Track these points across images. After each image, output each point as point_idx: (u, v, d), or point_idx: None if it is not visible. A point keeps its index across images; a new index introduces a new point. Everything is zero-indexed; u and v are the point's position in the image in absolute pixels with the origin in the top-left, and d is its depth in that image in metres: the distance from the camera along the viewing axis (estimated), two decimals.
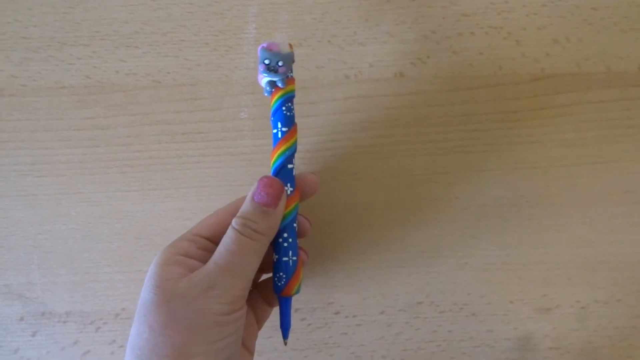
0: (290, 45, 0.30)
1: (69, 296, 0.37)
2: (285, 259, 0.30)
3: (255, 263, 0.28)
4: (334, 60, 0.36)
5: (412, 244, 0.37)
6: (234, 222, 0.28)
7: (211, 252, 0.29)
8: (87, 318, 0.37)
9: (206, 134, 0.36)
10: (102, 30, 0.36)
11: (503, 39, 0.37)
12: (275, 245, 0.30)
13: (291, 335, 0.37)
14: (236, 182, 0.36)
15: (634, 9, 0.37)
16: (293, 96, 0.31)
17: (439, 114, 0.37)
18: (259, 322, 0.32)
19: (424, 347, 0.37)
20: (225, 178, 0.37)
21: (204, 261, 0.28)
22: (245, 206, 0.29)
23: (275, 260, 0.30)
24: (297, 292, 0.31)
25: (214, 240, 0.29)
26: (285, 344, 0.32)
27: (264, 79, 0.30)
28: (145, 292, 0.27)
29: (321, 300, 0.37)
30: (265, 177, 0.29)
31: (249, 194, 0.29)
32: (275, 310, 0.33)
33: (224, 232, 0.29)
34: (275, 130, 0.30)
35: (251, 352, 0.31)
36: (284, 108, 0.30)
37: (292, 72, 0.30)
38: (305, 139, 0.36)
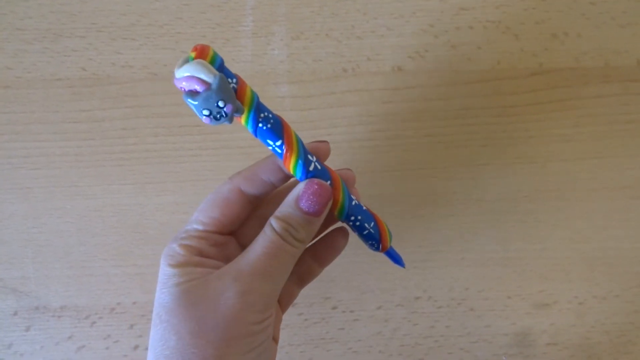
0: (201, 57, 0.23)
1: (64, 290, 0.36)
2: (365, 232, 0.28)
3: (290, 269, 0.26)
4: (331, 53, 0.36)
5: (410, 239, 0.37)
6: (274, 223, 0.25)
7: (223, 246, 0.27)
8: (82, 312, 0.36)
9: (203, 127, 0.36)
10: (99, 22, 0.36)
11: (501, 33, 0.37)
12: (352, 227, 0.28)
13: (288, 330, 0.37)
14: None
15: (633, 3, 0.37)
16: (258, 100, 0.25)
17: (437, 108, 0.36)
18: (284, 307, 0.30)
19: (422, 342, 0.37)
20: (223, 171, 0.36)
21: (221, 259, 0.26)
22: (288, 209, 0.25)
23: (359, 236, 0.29)
24: (391, 238, 0.30)
25: (224, 232, 0.27)
26: (405, 267, 0.31)
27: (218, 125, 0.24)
28: (165, 295, 0.24)
29: (318, 295, 0.37)
30: (316, 182, 0.25)
31: (293, 196, 0.26)
32: None
33: (231, 224, 0.27)
34: (270, 147, 0.26)
35: (276, 340, 0.29)
36: (260, 125, 0.25)
37: (234, 78, 0.24)
38: (302, 133, 0.36)
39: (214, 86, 0.22)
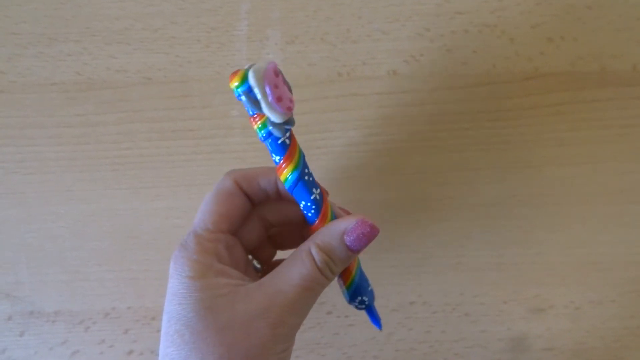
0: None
1: (58, 295, 0.36)
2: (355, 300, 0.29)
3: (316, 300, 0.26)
4: (326, 57, 0.36)
5: (405, 244, 0.37)
6: (315, 253, 0.25)
7: (233, 249, 0.27)
8: (76, 317, 0.36)
9: (197, 131, 0.36)
10: (93, 26, 0.36)
11: (497, 38, 0.36)
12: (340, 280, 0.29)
13: None
14: None
15: (629, 8, 0.36)
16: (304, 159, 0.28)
17: (432, 112, 0.36)
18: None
19: (417, 347, 0.37)
20: (216, 176, 0.36)
21: (235, 265, 0.26)
22: (333, 241, 0.25)
23: (344, 288, 0.29)
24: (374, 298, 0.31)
25: (232, 230, 0.27)
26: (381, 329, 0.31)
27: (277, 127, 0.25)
28: (187, 311, 0.23)
29: None
30: (369, 225, 0.25)
31: (340, 229, 0.25)
32: None
33: (237, 219, 0.27)
34: (303, 206, 0.26)
35: None
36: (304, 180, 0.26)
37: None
38: (297, 137, 0.36)
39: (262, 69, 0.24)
